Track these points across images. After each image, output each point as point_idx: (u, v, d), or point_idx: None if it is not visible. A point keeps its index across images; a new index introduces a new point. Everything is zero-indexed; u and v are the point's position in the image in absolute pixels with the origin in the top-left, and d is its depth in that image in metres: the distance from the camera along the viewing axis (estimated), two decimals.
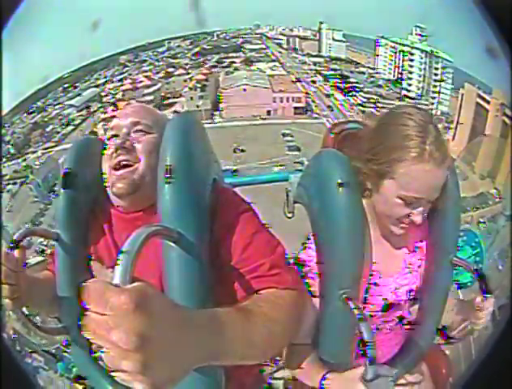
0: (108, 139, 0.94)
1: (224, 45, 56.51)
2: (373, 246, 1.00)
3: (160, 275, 0.81)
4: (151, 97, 41.02)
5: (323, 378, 0.94)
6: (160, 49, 57.85)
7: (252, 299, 0.77)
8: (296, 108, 42.83)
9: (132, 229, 0.61)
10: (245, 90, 40.02)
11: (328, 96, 46.88)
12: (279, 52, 57.24)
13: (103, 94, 45.44)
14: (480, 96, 39.85)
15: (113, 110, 37.20)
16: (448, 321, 1.14)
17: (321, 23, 55.83)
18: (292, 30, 60.93)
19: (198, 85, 40.97)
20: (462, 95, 41.34)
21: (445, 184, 0.94)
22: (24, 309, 0.91)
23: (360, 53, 53.92)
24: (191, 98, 38.80)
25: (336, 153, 1.00)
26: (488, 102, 38.19)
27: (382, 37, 50.18)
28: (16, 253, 0.86)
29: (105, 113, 39.86)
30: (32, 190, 32.24)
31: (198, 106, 37.64)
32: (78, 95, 45.78)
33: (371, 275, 1.00)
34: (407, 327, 1.13)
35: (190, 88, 40.45)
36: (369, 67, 51.52)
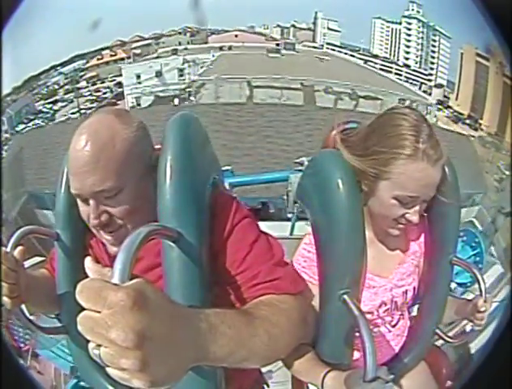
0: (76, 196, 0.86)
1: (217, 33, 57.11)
2: (368, 247, 0.98)
3: (159, 274, 0.81)
4: (139, 51, 39.90)
5: (324, 377, 0.91)
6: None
7: (252, 303, 0.80)
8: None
9: None
10: (236, 36, 38.82)
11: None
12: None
13: (91, 62, 44.81)
14: (479, 55, 38.61)
15: (97, 59, 35.97)
16: (448, 321, 1.16)
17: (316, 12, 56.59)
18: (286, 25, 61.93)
19: (189, 29, 39.84)
20: (462, 54, 40.27)
21: (444, 183, 0.94)
22: (24, 308, 0.92)
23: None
24: (179, 43, 37.53)
25: (336, 153, 0.99)
26: (487, 59, 36.86)
27: (379, 18, 50.23)
28: (16, 252, 0.87)
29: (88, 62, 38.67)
30: (4, 124, 30.12)
31: (186, 49, 36.25)
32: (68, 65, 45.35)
33: (368, 276, 0.99)
34: (407, 327, 1.14)
35: (180, 33, 39.20)
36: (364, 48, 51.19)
